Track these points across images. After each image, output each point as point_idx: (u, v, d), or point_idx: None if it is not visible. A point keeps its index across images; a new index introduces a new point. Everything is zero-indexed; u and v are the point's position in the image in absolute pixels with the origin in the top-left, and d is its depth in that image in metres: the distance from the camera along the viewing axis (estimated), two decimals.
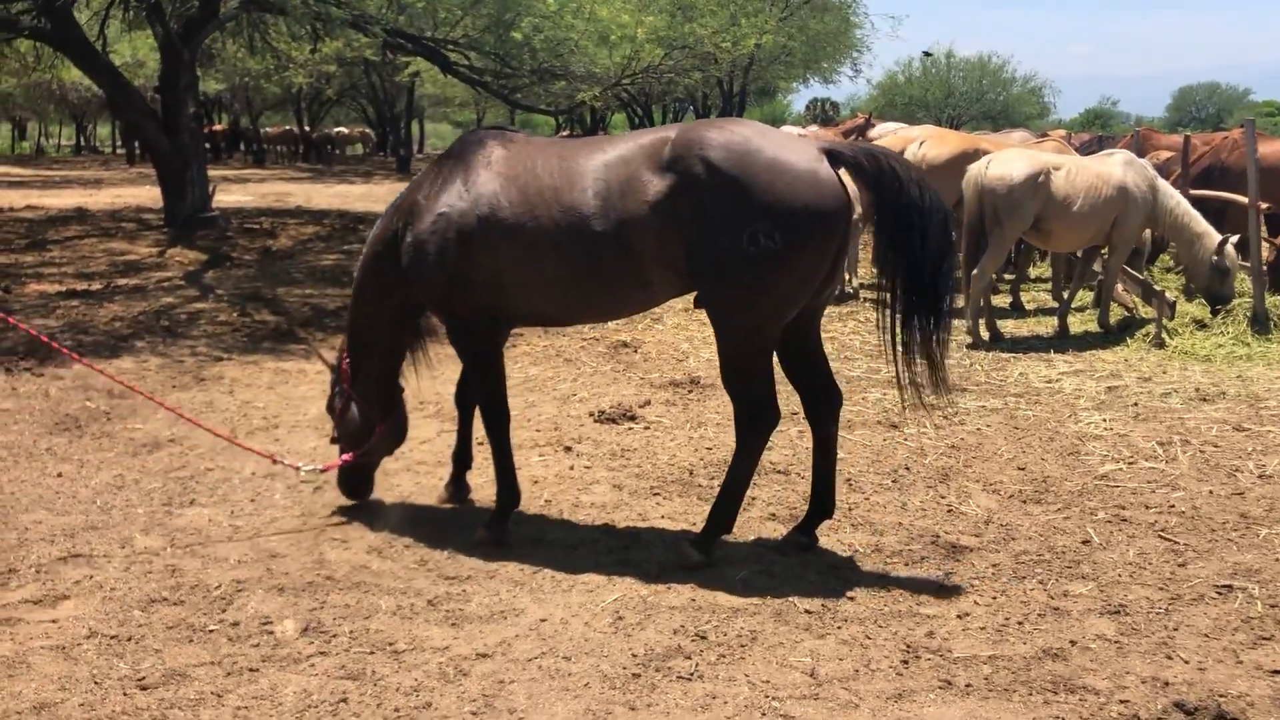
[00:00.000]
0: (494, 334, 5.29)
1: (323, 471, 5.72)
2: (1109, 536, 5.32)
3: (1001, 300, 11.56)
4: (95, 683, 3.88)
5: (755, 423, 4.80)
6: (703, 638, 4.22)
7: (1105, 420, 7.23)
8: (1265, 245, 10.08)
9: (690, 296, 5.00)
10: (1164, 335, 9.47)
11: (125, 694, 3.81)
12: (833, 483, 5.17)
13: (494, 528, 5.19)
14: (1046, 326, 10.58)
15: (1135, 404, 7.65)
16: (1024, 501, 5.80)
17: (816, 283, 4.73)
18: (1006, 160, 9.63)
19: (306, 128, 48.05)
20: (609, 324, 10.35)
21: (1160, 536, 5.32)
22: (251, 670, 3.97)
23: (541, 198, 4.85)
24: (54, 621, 4.36)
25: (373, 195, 26.40)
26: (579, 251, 4.79)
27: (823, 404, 5.09)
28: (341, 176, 35.82)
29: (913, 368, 4.77)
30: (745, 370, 4.75)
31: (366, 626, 4.31)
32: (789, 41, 23.92)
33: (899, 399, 4.92)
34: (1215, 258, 9.60)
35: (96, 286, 12.14)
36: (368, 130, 50.78)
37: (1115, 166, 9.76)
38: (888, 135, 14.45)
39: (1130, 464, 6.36)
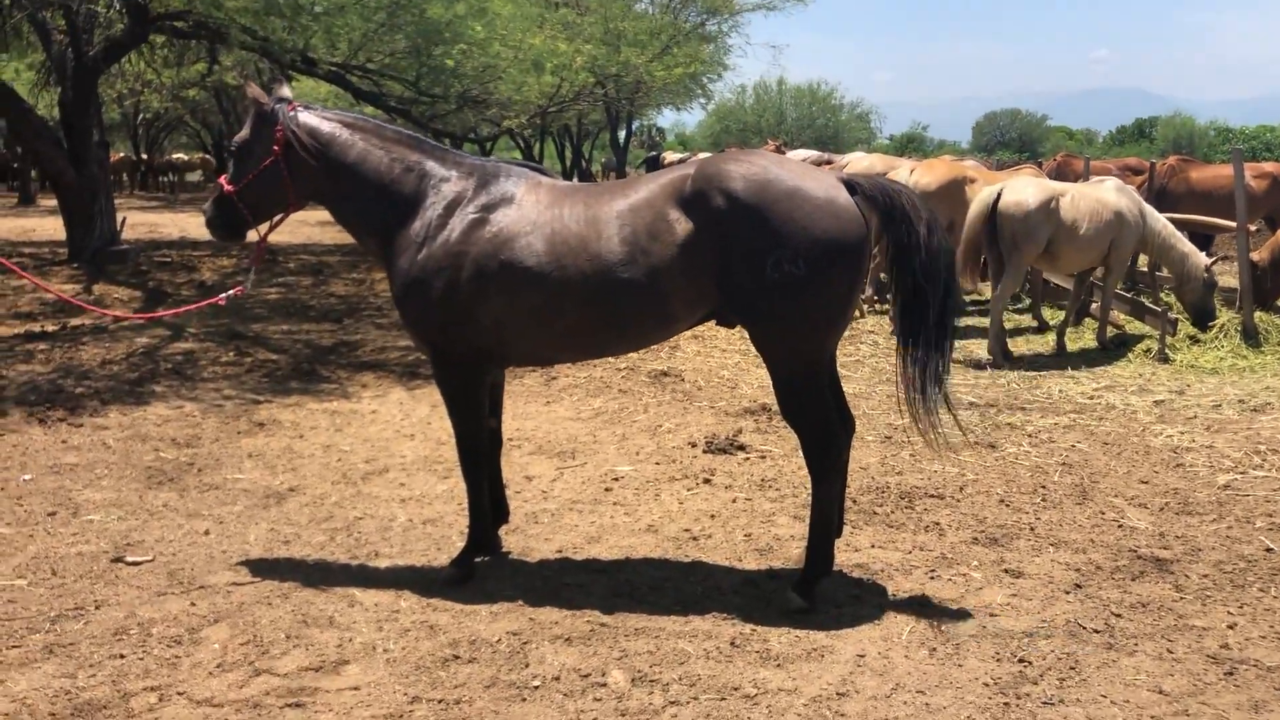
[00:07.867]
0: (484, 373, 5.17)
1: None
2: None
3: (981, 321, 12.06)
4: None
5: (827, 450, 4.76)
6: (1028, 663, 4.29)
7: (1181, 433, 7.65)
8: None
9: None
10: (1166, 351, 10.07)
11: None
12: (843, 502, 5.27)
13: (460, 563, 5.22)
14: (1038, 345, 11.11)
15: (1194, 416, 8.12)
16: (1176, 513, 6.09)
17: (850, 308, 4.81)
18: (1021, 188, 10.08)
19: (144, 154, 45.77)
20: (635, 354, 10.33)
21: None
22: None
23: (568, 246, 4.78)
24: (355, 689, 4.11)
25: None
26: (606, 299, 4.76)
27: (841, 429, 5.05)
28: (196, 205, 34.25)
29: (922, 407, 4.77)
30: (801, 399, 4.74)
31: (691, 673, 4.21)
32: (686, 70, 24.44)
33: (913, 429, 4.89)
34: (1205, 275, 10.29)
35: (51, 327, 11.36)
36: (207, 156, 48.66)
37: (1110, 192, 10.35)
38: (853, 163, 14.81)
39: (1241, 474, 6.75)
